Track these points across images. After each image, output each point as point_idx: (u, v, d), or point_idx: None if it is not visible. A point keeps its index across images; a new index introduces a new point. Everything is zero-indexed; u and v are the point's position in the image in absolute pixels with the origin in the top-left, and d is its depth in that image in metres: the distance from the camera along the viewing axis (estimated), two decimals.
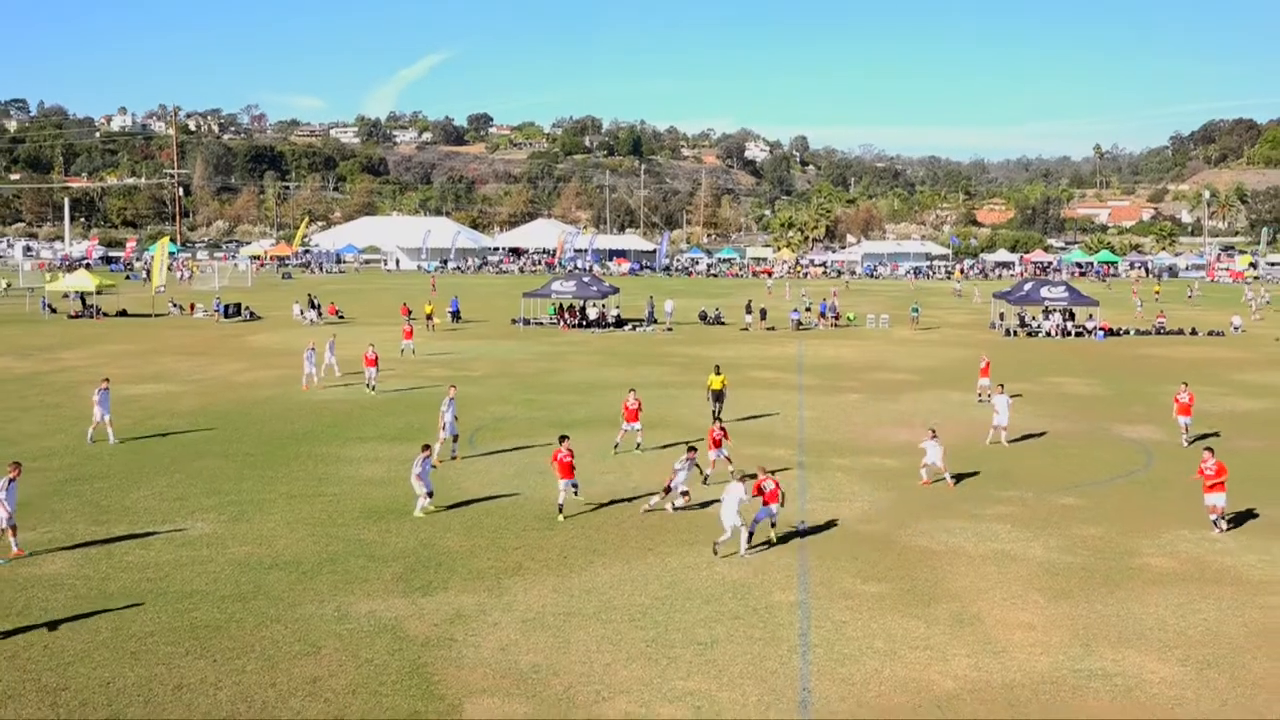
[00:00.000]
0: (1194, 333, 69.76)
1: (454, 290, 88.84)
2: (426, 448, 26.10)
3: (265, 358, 53.20)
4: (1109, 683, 16.38)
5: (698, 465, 26.44)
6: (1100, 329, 68.42)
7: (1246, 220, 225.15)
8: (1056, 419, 38.90)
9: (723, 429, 29.73)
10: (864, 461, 30.83)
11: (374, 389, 41.85)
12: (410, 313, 73.85)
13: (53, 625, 17.84)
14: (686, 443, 28.48)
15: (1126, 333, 69.56)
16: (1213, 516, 24.15)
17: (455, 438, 31.26)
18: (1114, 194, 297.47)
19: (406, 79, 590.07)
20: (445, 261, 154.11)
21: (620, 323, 71.47)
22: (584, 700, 15.51)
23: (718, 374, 37.26)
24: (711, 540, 22.77)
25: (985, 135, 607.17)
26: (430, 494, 25.16)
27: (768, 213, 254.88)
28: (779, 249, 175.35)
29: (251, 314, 74.34)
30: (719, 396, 36.65)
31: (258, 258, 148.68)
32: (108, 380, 34.09)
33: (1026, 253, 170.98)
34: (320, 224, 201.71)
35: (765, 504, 22.85)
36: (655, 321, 71.54)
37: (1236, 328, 71.03)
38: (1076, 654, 17.40)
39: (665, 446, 32.36)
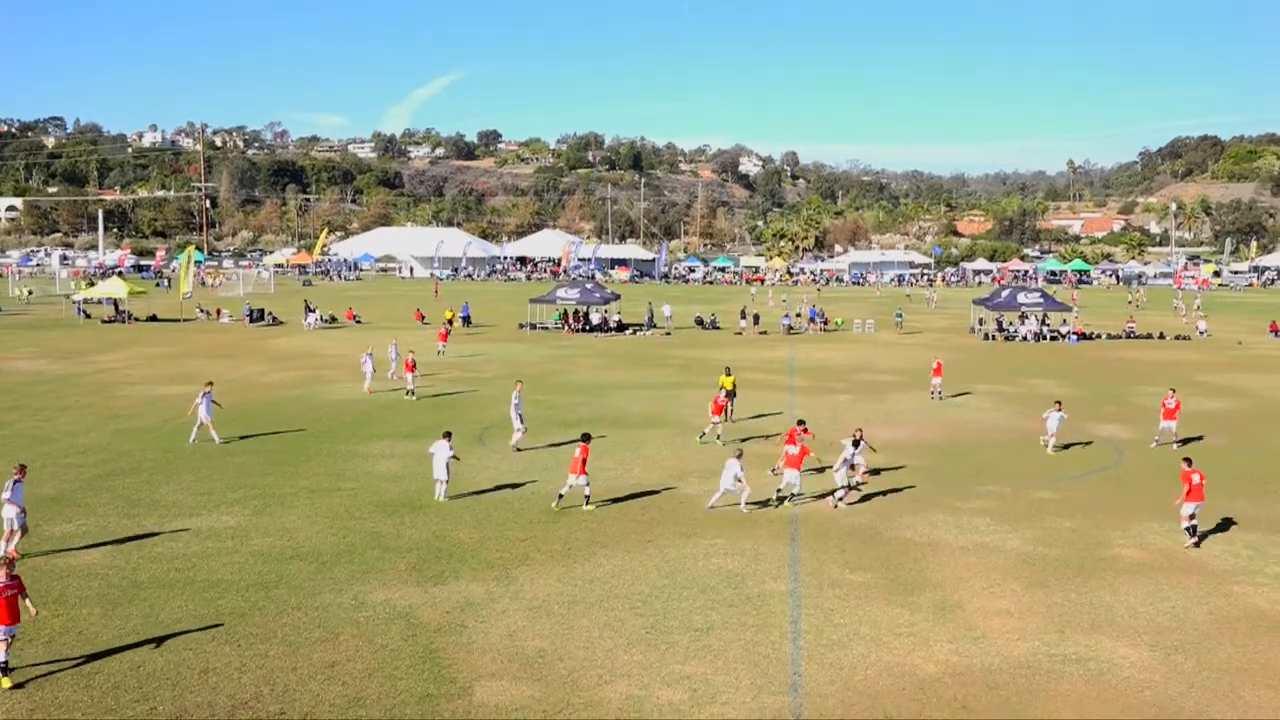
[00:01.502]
0: (1161, 336, 69.77)
1: (464, 296, 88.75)
2: (448, 435, 26.18)
3: (287, 360, 53.14)
4: (1082, 667, 16.35)
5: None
6: (1074, 333, 68.42)
7: (1211, 231, 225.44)
8: (1033, 417, 38.79)
9: (804, 428, 28.39)
10: (757, 450, 30.54)
11: (414, 394, 41.13)
12: (424, 318, 73.99)
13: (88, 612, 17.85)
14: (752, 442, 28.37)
15: (1099, 336, 69.57)
16: (1183, 524, 23.10)
17: (523, 430, 31.96)
18: (1086, 206, 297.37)
19: (421, 98, 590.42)
20: (457, 269, 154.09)
21: (621, 327, 71.42)
22: (587, 683, 15.48)
23: (728, 375, 37.26)
24: (704, 535, 22.90)
25: (966, 151, 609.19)
26: (447, 480, 25.61)
27: (760, 224, 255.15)
28: (771, 258, 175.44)
29: (274, 319, 74.28)
30: (730, 395, 36.51)
31: (280, 266, 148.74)
32: (211, 384, 33.81)
33: (1004, 262, 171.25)
34: (339, 234, 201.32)
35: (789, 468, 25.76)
36: (654, 326, 71.51)
37: (1202, 332, 71.01)
38: (1052, 640, 17.37)
39: (732, 441, 32.28)
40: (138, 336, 64.18)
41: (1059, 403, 34.12)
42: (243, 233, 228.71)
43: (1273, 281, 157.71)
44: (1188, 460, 23.99)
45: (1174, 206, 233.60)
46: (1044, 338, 68.28)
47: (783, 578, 20.31)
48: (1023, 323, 70.14)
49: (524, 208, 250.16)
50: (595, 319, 72.06)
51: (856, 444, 26.89)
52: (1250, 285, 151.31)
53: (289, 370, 49.06)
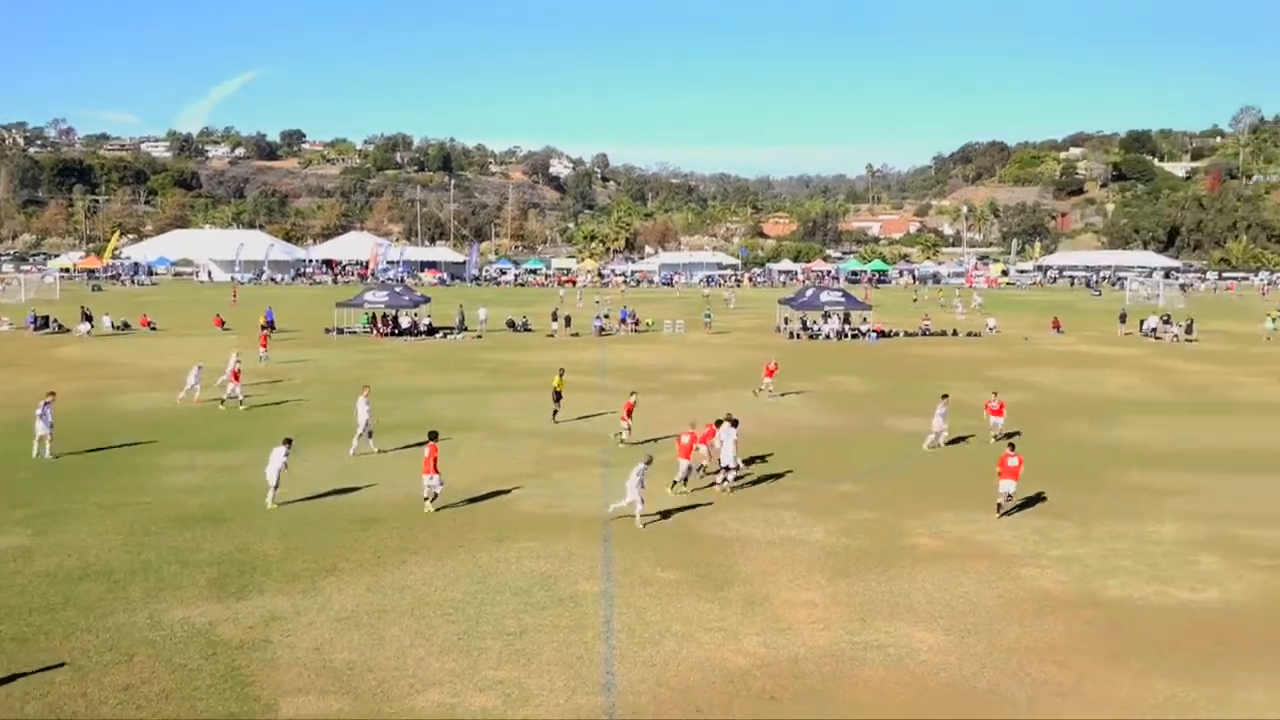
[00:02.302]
0: (955, 334, 73.14)
1: (267, 301, 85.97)
2: (288, 442, 25.71)
3: (76, 369, 50.40)
4: (883, 653, 16.99)
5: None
6: (874, 331, 71.01)
7: (999, 233, 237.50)
8: (836, 414, 40.18)
9: (700, 428, 29.14)
10: (661, 457, 30.95)
11: (241, 402, 39.43)
12: (224, 323, 71.41)
13: None
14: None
15: (897, 334, 72.39)
16: (999, 500, 25.34)
17: (370, 433, 31.84)
18: (885, 209, 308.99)
19: (219, 95, 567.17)
20: (260, 273, 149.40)
21: (432, 330, 70.58)
22: (398, 694, 15.23)
23: (560, 376, 38.17)
24: (517, 539, 22.85)
25: (770, 154, 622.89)
26: (276, 487, 25.15)
27: (571, 226, 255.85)
28: (582, 260, 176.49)
29: (59, 326, 70.40)
30: (557, 397, 37.32)
31: (66, 270, 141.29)
32: (53, 394, 31.67)
33: (808, 262, 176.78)
34: (131, 237, 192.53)
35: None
36: (465, 329, 70.94)
37: (992, 328, 74.71)
38: (855, 628, 17.99)
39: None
40: None
41: (945, 396, 35.01)
42: (24, 235, 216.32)
43: (1055, 280, 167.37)
44: (1011, 445, 26.66)
45: (965, 209, 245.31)
46: (846, 336, 70.65)
47: (595, 578, 20.42)
48: (826, 321, 72.40)
49: (330, 209, 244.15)
50: (405, 322, 70.93)
51: (735, 423, 28.26)
52: (1035, 284, 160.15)
53: (78, 380, 46.49)
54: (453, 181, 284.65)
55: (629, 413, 33.68)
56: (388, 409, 39.42)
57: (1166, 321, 74.84)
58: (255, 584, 19.78)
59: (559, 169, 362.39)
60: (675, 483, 27.27)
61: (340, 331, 69.46)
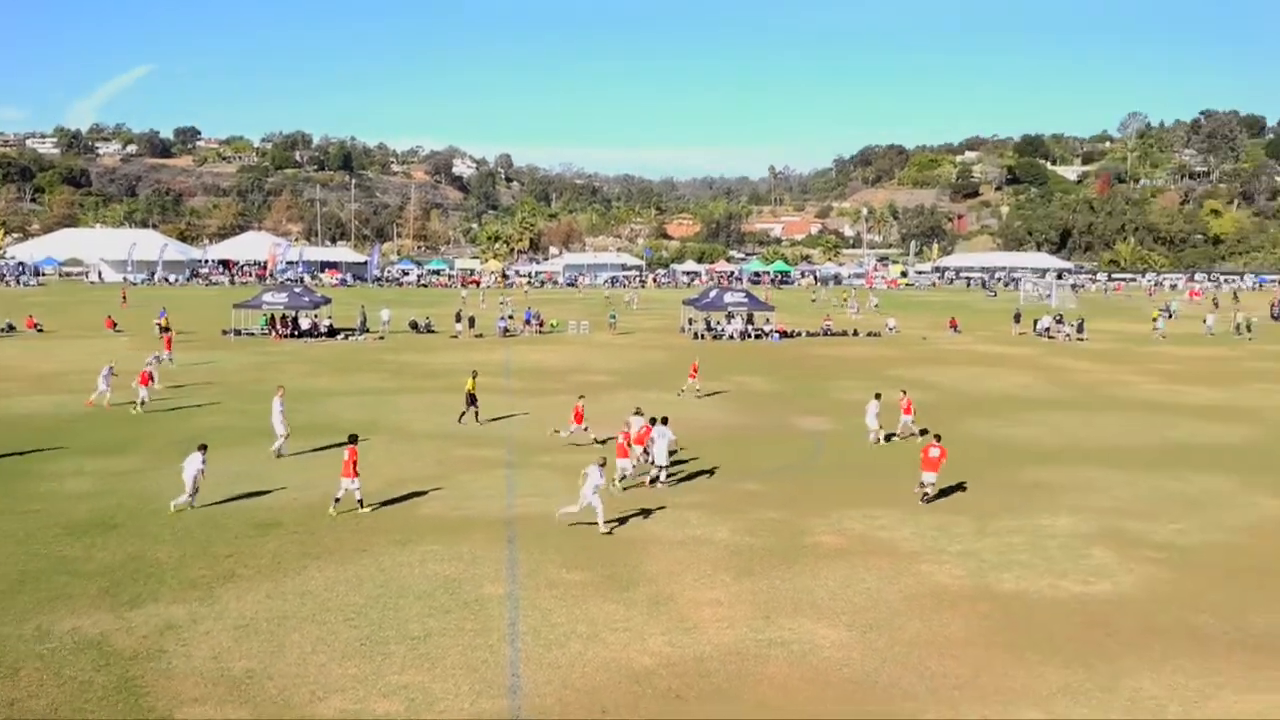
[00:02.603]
0: (855, 334, 74.27)
1: (161, 302, 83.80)
2: (203, 448, 25.40)
3: None
4: (787, 649, 17.17)
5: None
6: (776, 331, 71.76)
7: (898, 234, 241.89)
8: (740, 413, 40.49)
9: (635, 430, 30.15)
10: (565, 458, 30.98)
11: (139, 405, 38.48)
12: (115, 325, 69.56)
13: None
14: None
15: (799, 334, 73.25)
16: (921, 488, 26.72)
17: (285, 436, 31.50)
18: (787, 210, 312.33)
19: (110, 91, 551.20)
20: (153, 273, 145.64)
21: (333, 332, 69.57)
22: (299, 701, 14.97)
23: (473, 379, 38.09)
24: (420, 542, 22.60)
25: (674, 155, 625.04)
26: (195, 493, 24.87)
27: (475, 226, 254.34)
28: (486, 260, 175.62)
29: None
30: (472, 399, 37.10)
31: None
32: None
33: (711, 263, 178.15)
34: (16, 236, 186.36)
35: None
36: (367, 330, 70.07)
37: (891, 329, 76.01)
38: (759, 625, 18.15)
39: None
40: None
41: (878, 395, 35.50)
42: None
43: (952, 281, 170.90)
44: (937, 437, 27.84)
45: (865, 211, 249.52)
46: (749, 336, 71.31)
47: (500, 580, 20.30)
48: (729, 322, 72.99)
49: (226, 209, 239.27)
50: (305, 324, 69.77)
51: (665, 421, 29.13)
52: (933, 285, 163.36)
53: None
54: (353, 181, 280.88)
55: (578, 417, 33.59)
56: (289, 411, 38.71)
57: (1059, 321, 76.91)
58: (149, 592, 19.27)
59: (462, 169, 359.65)
60: (623, 476, 27.90)
61: (238, 333, 68.08)
